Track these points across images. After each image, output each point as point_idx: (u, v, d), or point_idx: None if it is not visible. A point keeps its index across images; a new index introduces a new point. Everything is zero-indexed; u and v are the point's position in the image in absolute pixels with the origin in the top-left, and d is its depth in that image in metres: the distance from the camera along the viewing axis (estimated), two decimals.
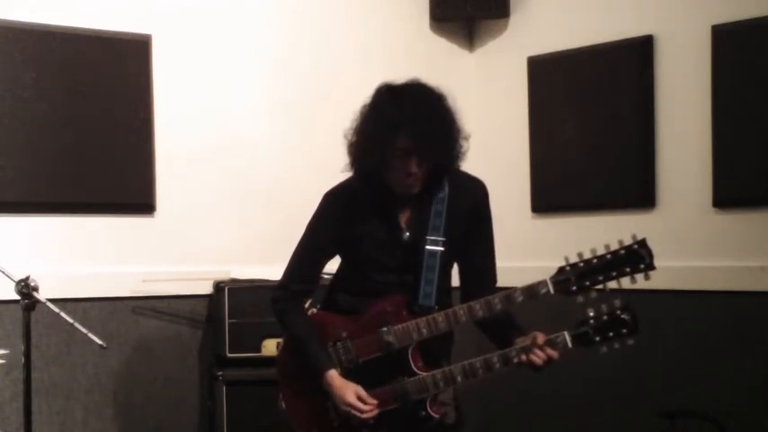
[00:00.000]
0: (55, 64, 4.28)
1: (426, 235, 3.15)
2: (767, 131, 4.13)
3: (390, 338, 3.11)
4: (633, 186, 4.59)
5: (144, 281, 4.43)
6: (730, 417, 4.03)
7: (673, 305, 4.37)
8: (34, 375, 3.53)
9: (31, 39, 4.23)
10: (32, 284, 3.39)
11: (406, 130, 2.98)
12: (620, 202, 4.62)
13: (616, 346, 3.00)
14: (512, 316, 3.18)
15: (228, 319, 4.37)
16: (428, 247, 3.15)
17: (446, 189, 3.18)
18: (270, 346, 4.34)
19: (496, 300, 3.05)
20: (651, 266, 2.95)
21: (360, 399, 3.12)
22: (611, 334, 2.99)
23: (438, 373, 3.11)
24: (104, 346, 3.44)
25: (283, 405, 3.32)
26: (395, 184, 3.12)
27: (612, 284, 3.00)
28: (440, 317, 3.09)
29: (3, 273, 3.44)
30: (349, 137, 3.14)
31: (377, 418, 3.13)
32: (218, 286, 4.44)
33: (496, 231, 3.28)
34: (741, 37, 4.19)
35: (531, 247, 4.92)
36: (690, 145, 4.37)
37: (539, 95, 4.99)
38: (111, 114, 4.41)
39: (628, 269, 2.95)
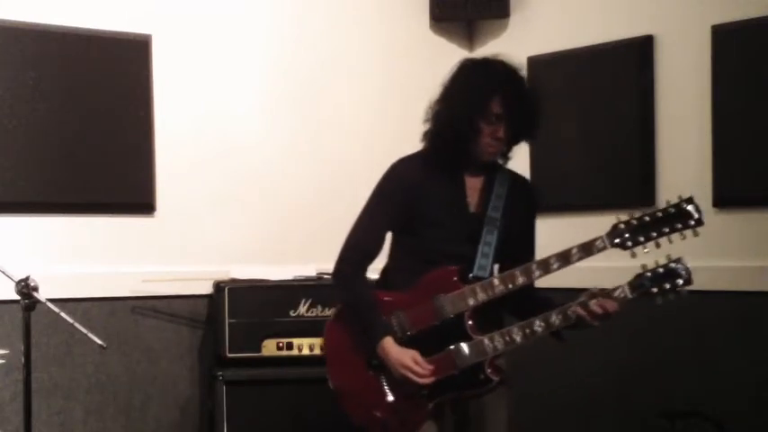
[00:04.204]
0: (55, 64, 4.28)
1: (487, 211, 3.18)
2: (767, 131, 4.13)
3: (445, 305, 3.08)
4: (633, 186, 4.58)
5: (144, 281, 4.43)
6: (730, 417, 4.02)
7: (673, 305, 4.35)
8: (34, 375, 3.52)
9: (30, 39, 4.23)
10: (32, 284, 3.38)
11: (502, 95, 3.09)
12: (620, 202, 4.58)
13: (672, 296, 3.06)
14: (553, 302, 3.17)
15: (228, 319, 4.37)
16: (488, 220, 3.17)
17: (508, 177, 3.26)
18: (270, 346, 4.34)
19: (553, 259, 3.04)
20: (700, 222, 3.01)
21: (416, 363, 3.06)
22: (667, 285, 3.05)
23: (496, 334, 3.05)
24: (104, 346, 3.43)
25: (331, 385, 3.27)
26: (478, 149, 3.16)
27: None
28: (496, 279, 3.08)
29: (3, 273, 3.44)
30: (433, 106, 3.20)
31: (433, 387, 3.07)
32: (218, 286, 4.43)
33: None
34: (741, 37, 4.18)
35: None
36: (690, 145, 4.37)
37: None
38: (111, 114, 4.41)
39: (679, 225, 3.02)
